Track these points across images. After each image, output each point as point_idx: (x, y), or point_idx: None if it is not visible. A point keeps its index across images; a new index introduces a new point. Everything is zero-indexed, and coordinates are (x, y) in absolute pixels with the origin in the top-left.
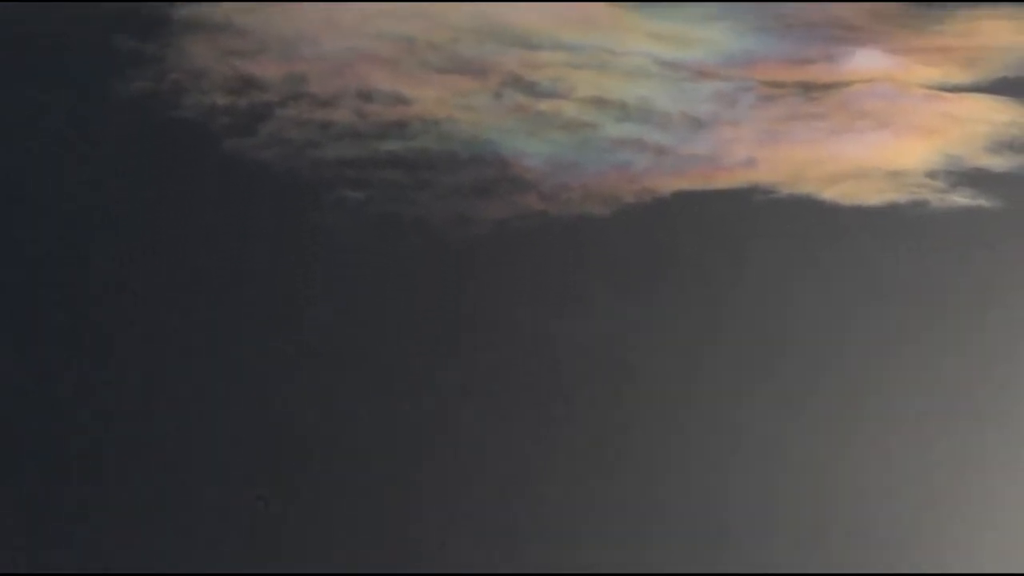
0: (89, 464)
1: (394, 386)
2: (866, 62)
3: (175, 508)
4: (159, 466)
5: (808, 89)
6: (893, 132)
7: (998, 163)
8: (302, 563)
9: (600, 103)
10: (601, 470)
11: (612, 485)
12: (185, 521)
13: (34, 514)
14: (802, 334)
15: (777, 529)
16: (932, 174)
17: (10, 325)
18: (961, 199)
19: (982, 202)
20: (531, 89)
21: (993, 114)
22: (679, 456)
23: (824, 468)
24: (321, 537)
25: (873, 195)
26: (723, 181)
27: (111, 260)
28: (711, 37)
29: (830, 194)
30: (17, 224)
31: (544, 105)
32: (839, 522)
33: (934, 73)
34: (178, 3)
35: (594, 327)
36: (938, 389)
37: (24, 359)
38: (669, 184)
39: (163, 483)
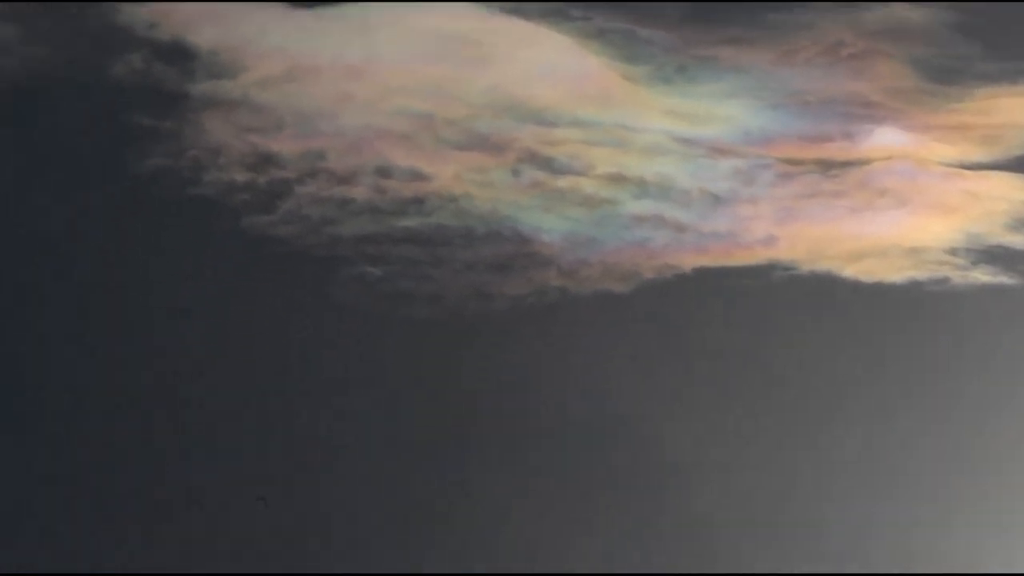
0: (89, 466)
1: (409, 461)
2: (885, 140)
3: (175, 508)
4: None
5: (827, 167)
6: (912, 210)
7: (1019, 240)
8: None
9: (618, 180)
10: (615, 540)
11: (625, 551)
12: (185, 521)
13: (34, 514)
14: (824, 410)
15: None
16: (953, 251)
17: (23, 406)
18: (983, 276)
19: (1004, 279)
20: (548, 165)
21: (1014, 192)
22: (695, 527)
23: (832, 534)
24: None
25: (894, 273)
26: (743, 258)
27: (130, 335)
28: (728, 114)
29: (850, 272)
30: (34, 299)
31: (562, 182)
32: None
33: (953, 151)
34: (196, 80)
35: (612, 404)
36: (956, 463)
37: (33, 430)
38: (689, 261)
39: (164, 484)
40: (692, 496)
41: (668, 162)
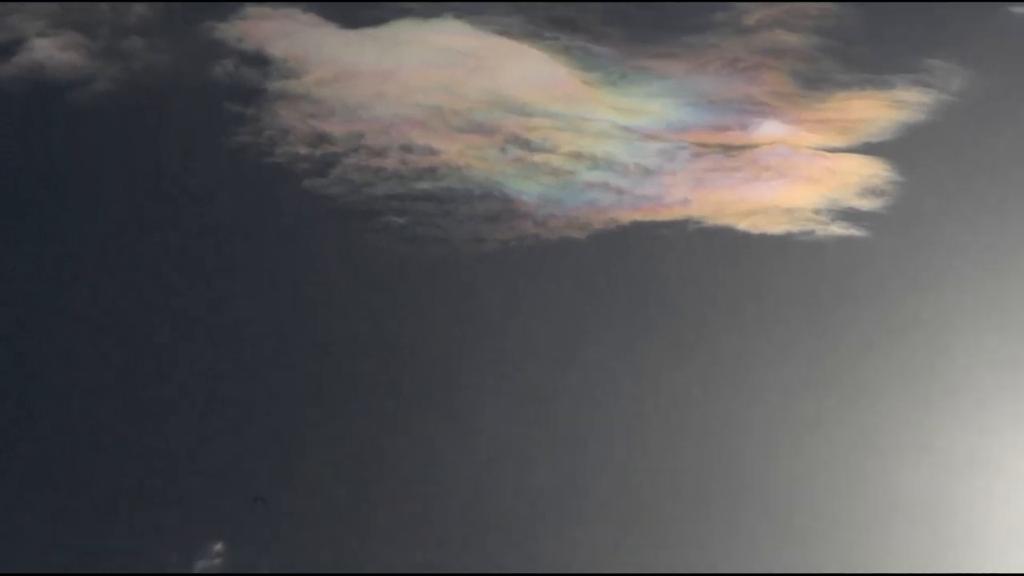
0: (89, 465)
1: (415, 365)
2: (769, 130)
3: (175, 508)
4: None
5: (727, 149)
6: (788, 181)
7: (864, 204)
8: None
9: (577, 156)
10: (575, 445)
11: (592, 458)
12: (184, 521)
13: (34, 514)
14: (717, 327)
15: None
16: (817, 211)
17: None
18: (838, 230)
19: (853, 232)
20: (527, 145)
21: (861, 168)
22: (624, 435)
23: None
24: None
25: (774, 226)
26: (665, 214)
27: (219, 266)
28: (656, 109)
29: (743, 225)
30: (139, 234)
31: (537, 157)
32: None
33: (818, 138)
34: (271, 79)
35: (568, 320)
36: (812, 372)
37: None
38: (627, 216)
39: (162, 483)
40: (617, 388)
41: (613, 144)
